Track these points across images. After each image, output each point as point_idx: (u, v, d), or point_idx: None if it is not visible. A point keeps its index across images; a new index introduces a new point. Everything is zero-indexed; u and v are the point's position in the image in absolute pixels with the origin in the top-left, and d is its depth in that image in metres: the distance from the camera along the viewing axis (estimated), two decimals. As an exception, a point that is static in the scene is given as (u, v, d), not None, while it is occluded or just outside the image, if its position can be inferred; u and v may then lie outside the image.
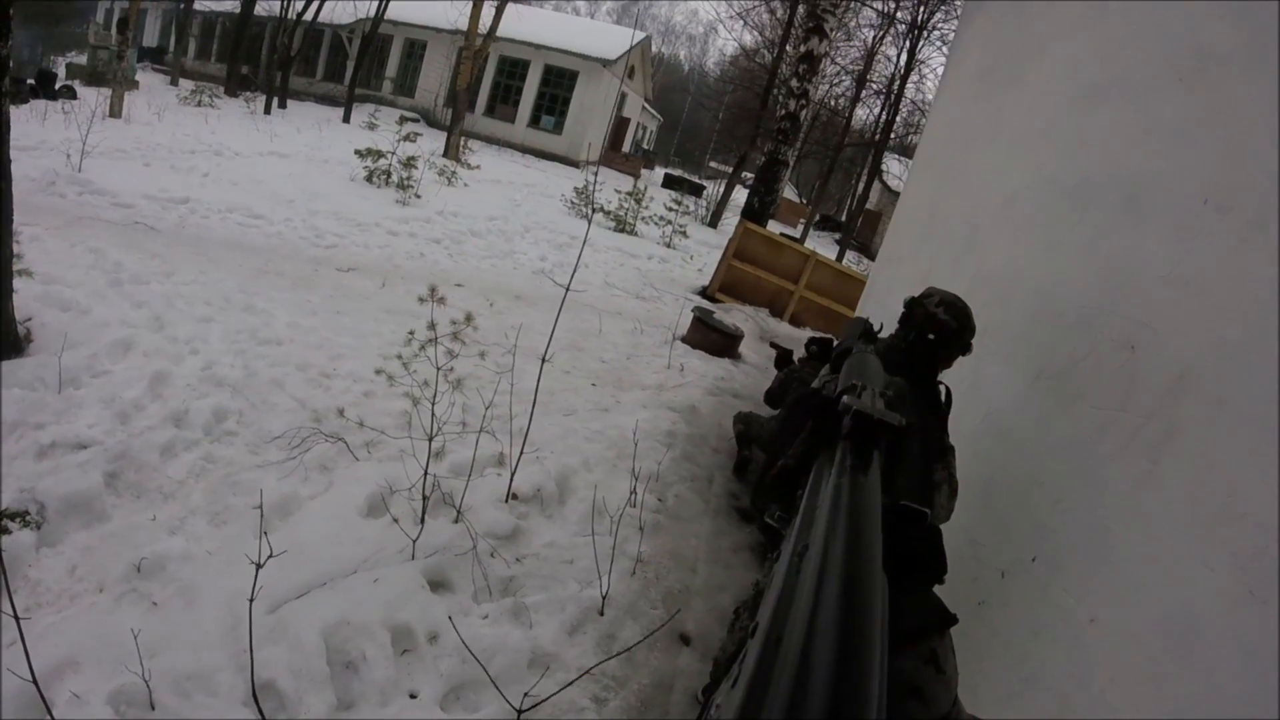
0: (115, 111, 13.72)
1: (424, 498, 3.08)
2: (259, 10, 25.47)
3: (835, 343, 2.79)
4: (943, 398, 2.26)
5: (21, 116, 10.74)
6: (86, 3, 26.86)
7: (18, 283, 3.90)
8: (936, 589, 1.67)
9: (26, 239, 4.83)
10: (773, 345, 2.87)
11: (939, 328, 2.29)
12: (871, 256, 27.24)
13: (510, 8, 20.02)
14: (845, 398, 1.31)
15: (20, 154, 8.03)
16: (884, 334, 2.58)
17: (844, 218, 33.55)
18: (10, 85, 3.53)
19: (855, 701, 0.64)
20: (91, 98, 14.50)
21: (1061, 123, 3.15)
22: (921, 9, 23.82)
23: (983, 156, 4.15)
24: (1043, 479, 2.32)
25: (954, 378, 2.37)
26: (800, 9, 21.19)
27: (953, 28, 22.71)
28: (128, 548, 2.76)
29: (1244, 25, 2.10)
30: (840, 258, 22.09)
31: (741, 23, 27.44)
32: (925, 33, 23.97)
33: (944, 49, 24.36)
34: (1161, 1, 2.65)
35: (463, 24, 19.38)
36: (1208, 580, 1.59)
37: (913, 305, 2.38)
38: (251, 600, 2.12)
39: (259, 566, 2.08)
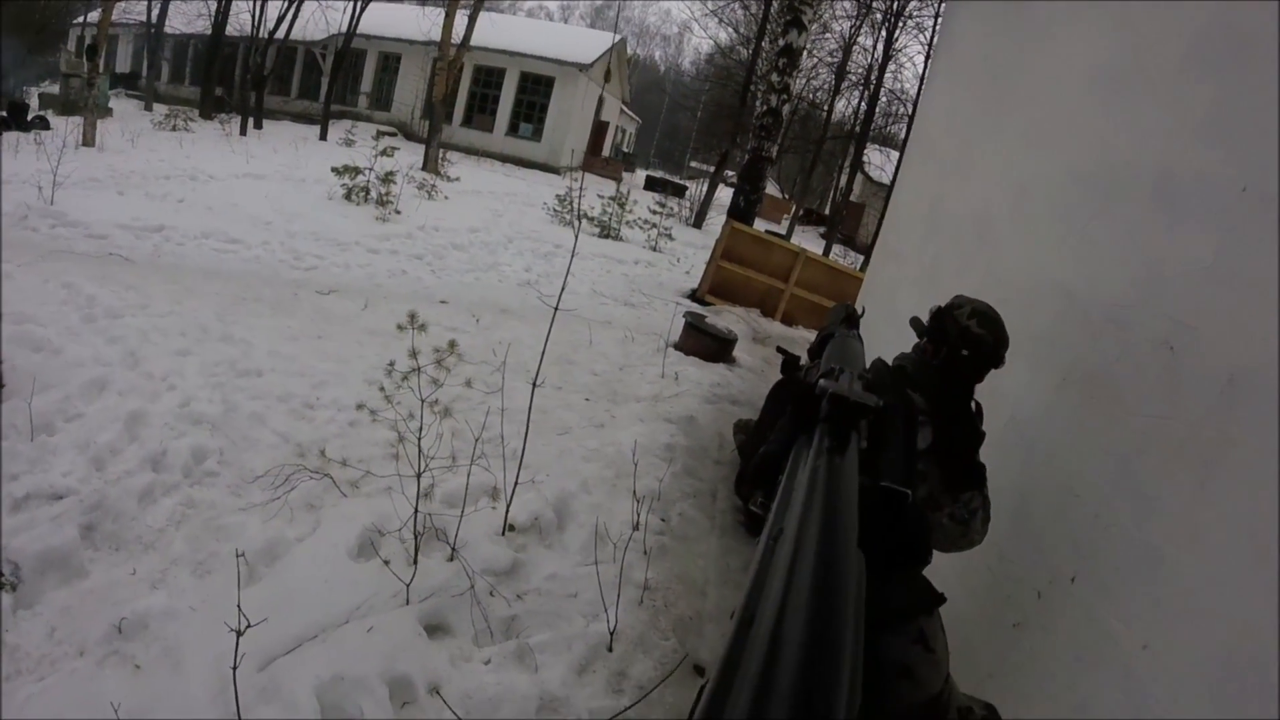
0: (88, 140, 13.49)
1: (415, 536, 2.93)
2: (231, 30, 25.15)
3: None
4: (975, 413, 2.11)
5: (-9, 149, 10.39)
6: (59, 29, 26.42)
7: (-13, 323, 3.73)
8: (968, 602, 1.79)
9: (-5, 278, 4.67)
10: (779, 350, 2.77)
11: (974, 341, 2.05)
12: (857, 249, 27.26)
13: (484, 16, 19.83)
14: (822, 381, 1.30)
15: (-12, 189, 7.87)
16: (865, 318, 2.47)
17: (828, 211, 33.53)
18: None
19: (825, 679, 0.65)
20: (65, 127, 14.26)
21: (1076, 112, 2.99)
22: (897, -3, 23.99)
23: (989, 147, 3.99)
24: (1080, 491, 2.16)
25: (972, 382, 2.22)
26: (775, 4, 21.22)
27: (928, 15, 22.83)
28: (108, 606, 2.59)
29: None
30: (826, 252, 22.06)
31: (716, 21, 27.50)
32: (901, 21, 24.05)
33: (920, 37, 24.59)
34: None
35: (436, 35, 19.09)
36: (1271, 603, 1.47)
37: (942, 317, 2.12)
38: (235, 668, 1.98)
39: (239, 634, 1.94)
